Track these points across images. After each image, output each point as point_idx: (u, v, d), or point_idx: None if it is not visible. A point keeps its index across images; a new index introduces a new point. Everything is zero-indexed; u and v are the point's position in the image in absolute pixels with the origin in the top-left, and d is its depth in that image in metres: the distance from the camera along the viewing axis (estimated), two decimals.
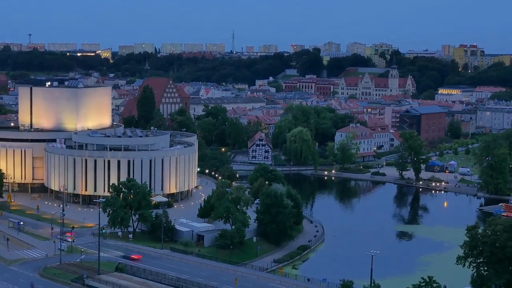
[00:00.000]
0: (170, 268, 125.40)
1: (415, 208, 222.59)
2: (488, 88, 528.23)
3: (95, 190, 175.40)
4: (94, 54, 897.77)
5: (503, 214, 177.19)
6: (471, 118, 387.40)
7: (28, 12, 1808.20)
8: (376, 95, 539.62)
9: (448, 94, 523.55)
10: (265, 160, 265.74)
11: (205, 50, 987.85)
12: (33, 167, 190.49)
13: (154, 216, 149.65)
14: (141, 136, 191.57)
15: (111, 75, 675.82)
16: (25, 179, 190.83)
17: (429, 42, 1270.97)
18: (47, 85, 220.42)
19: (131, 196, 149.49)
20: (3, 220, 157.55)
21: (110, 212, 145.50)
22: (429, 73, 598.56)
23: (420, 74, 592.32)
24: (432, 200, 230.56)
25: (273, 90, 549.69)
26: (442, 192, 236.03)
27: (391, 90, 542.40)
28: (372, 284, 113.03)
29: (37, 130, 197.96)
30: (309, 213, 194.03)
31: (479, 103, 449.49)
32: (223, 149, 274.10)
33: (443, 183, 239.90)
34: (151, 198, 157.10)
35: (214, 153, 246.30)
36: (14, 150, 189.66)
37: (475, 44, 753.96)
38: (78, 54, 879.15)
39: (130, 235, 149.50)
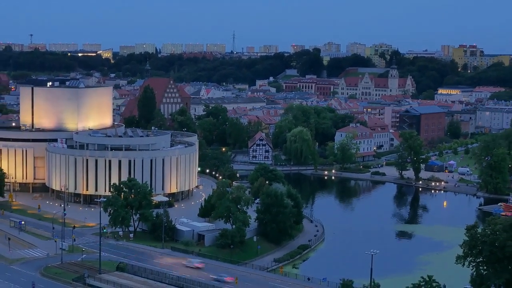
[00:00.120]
0: (170, 268, 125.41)
1: (415, 208, 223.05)
2: (487, 88, 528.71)
3: (96, 190, 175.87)
4: (95, 54, 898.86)
5: (502, 213, 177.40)
6: (470, 118, 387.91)
7: (29, 13, 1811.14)
8: (376, 95, 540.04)
9: (448, 94, 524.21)
10: (266, 160, 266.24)
11: (205, 50, 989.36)
12: (34, 167, 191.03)
13: (155, 215, 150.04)
14: (142, 136, 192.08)
15: (112, 75, 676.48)
16: (26, 178, 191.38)
17: (429, 43, 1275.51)
18: (48, 85, 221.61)
19: (132, 195, 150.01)
20: (5, 220, 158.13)
21: (111, 212, 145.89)
22: (429, 73, 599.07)
23: (419, 74, 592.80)
24: (431, 199, 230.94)
25: (273, 90, 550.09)
26: (442, 191, 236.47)
27: (391, 90, 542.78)
28: (372, 283, 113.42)
29: (39, 130, 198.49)
30: (309, 212, 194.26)
31: (479, 103, 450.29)
32: (223, 149, 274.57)
33: (442, 182, 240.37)
34: (152, 198, 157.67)
35: (215, 153, 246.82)
36: (15, 150, 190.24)
37: (474, 44, 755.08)
38: (79, 54, 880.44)
39: (131, 235, 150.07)
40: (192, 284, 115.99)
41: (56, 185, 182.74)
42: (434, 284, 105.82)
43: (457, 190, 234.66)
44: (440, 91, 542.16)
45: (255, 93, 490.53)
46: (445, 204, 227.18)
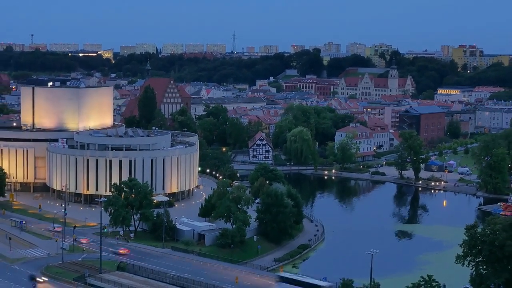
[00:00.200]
0: (171, 267, 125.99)
1: (415, 208, 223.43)
2: (487, 88, 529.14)
3: (96, 190, 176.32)
4: (96, 54, 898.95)
5: (501, 213, 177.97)
6: (470, 118, 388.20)
7: (30, 13, 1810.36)
8: (375, 95, 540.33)
9: (447, 94, 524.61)
10: (266, 159, 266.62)
11: (206, 51, 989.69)
12: (35, 167, 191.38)
13: (155, 215, 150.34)
14: (142, 136, 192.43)
15: (113, 75, 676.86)
16: (27, 178, 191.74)
17: (429, 43, 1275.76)
18: (49, 85, 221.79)
19: (133, 195, 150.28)
20: (6, 219, 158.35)
21: (112, 212, 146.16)
22: (429, 73, 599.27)
23: (419, 74, 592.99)
24: (431, 199, 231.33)
25: (273, 90, 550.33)
26: (442, 191, 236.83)
27: (390, 90, 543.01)
28: (372, 283, 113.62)
29: (39, 130, 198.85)
30: (309, 212, 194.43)
31: (478, 103, 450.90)
32: (224, 149, 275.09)
33: (442, 182, 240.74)
34: (153, 198, 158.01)
35: (215, 153, 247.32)
36: (16, 150, 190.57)
37: (474, 44, 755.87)
38: (80, 55, 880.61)
39: (132, 234, 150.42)
40: (192, 284, 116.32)
41: (57, 185, 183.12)
42: (433, 284, 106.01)
43: (457, 190, 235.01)
44: (440, 91, 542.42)
45: (255, 93, 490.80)
46: (444, 203, 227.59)
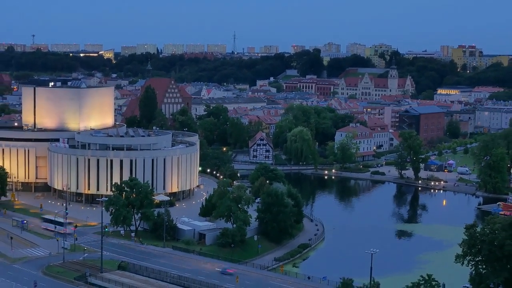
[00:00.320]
0: (172, 266, 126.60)
1: (414, 207, 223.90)
2: (486, 88, 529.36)
3: (97, 189, 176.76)
4: (97, 54, 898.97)
5: (501, 212, 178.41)
6: (469, 118, 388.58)
7: (31, 13, 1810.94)
8: (375, 95, 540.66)
9: (447, 94, 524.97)
10: (266, 159, 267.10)
11: (206, 51, 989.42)
12: (36, 167, 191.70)
13: (156, 214, 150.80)
14: (143, 136, 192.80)
15: (114, 75, 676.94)
16: (28, 178, 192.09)
17: (428, 43, 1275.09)
18: (50, 85, 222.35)
19: (134, 195, 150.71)
20: (7, 219, 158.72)
21: (113, 211, 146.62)
22: (428, 73, 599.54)
23: (419, 75, 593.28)
24: (431, 199, 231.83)
25: (274, 90, 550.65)
26: (441, 191, 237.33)
27: (390, 90, 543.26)
28: (372, 282, 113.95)
29: (41, 130, 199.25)
30: (310, 211, 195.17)
31: (478, 103, 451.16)
32: (224, 149, 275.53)
33: (442, 182, 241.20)
34: (153, 197, 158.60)
35: (216, 153, 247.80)
36: (17, 150, 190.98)
37: (473, 44, 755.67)
38: (81, 55, 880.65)
39: (133, 234, 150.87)
40: (193, 283, 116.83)
41: (58, 185, 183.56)
42: (433, 283, 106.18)
43: (456, 190, 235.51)
44: (440, 91, 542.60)
45: (256, 93, 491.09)
46: (444, 203, 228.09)
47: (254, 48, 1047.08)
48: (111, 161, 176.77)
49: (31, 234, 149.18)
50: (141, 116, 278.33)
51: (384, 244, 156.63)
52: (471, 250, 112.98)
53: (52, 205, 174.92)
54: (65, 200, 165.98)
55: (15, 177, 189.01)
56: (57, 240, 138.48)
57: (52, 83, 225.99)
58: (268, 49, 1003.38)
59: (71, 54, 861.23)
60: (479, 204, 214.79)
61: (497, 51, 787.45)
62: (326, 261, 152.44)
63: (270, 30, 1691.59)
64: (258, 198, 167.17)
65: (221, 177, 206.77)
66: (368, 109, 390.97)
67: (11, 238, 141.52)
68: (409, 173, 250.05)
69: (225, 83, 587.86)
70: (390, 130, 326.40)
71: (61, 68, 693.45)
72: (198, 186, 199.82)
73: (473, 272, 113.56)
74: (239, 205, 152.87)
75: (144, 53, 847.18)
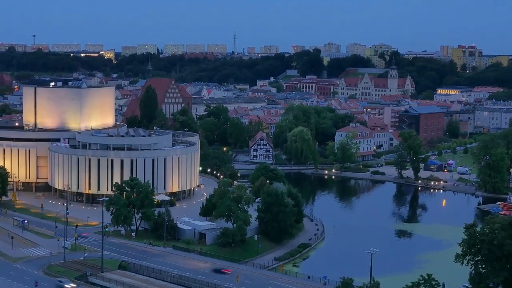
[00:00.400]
0: (172, 266, 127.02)
1: (414, 207, 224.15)
2: (486, 89, 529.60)
3: (98, 189, 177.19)
4: (97, 55, 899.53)
5: (500, 212, 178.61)
6: (469, 118, 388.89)
7: (32, 13, 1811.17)
8: (375, 95, 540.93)
9: (447, 94, 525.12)
10: (266, 159, 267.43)
11: (207, 51, 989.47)
12: (37, 166, 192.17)
13: (156, 214, 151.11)
14: (144, 136, 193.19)
15: (114, 75, 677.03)
16: (29, 178, 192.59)
17: (428, 43, 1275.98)
18: (51, 86, 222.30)
19: (134, 195, 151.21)
20: (8, 219, 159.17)
21: (113, 211, 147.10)
22: (428, 73, 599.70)
23: (419, 75, 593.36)
24: (430, 198, 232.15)
25: (274, 90, 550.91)
26: (441, 191, 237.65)
27: (390, 90, 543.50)
28: (372, 282, 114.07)
29: (41, 129, 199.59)
30: (310, 211, 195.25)
31: (477, 103, 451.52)
32: (224, 149, 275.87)
33: (441, 182, 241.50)
34: (154, 197, 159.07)
35: (216, 153, 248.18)
36: (18, 150, 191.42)
37: (473, 45, 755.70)
38: (82, 55, 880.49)
39: (133, 233, 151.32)
40: (193, 282, 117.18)
41: (59, 184, 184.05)
42: (433, 283, 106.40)
43: (456, 189, 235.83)
44: (439, 91, 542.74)
45: (256, 93, 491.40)
46: (444, 203, 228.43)
47: (254, 48, 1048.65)
48: (112, 161, 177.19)
49: (32, 233, 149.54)
50: (142, 116, 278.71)
51: (384, 244, 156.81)
52: (470, 250, 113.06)
53: (53, 204, 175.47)
54: (65, 200, 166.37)
55: (16, 177, 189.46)
56: (58, 240, 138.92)
57: (53, 83, 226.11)
58: (268, 49, 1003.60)
59: (72, 54, 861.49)
60: (479, 204, 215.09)
61: (497, 51, 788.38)
62: (326, 261, 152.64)
63: (270, 30, 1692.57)
64: (258, 198, 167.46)
65: (222, 177, 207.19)
66: (368, 109, 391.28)
67: (12, 237, 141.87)
68: (409, 173, 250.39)
69: (225, 83, 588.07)
70: (390, 130, 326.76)
71: (62, 68, 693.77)
72: (198, 186, 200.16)
73: (473, 271, 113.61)
74: (239, 205, 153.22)
75: (144, 53, 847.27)
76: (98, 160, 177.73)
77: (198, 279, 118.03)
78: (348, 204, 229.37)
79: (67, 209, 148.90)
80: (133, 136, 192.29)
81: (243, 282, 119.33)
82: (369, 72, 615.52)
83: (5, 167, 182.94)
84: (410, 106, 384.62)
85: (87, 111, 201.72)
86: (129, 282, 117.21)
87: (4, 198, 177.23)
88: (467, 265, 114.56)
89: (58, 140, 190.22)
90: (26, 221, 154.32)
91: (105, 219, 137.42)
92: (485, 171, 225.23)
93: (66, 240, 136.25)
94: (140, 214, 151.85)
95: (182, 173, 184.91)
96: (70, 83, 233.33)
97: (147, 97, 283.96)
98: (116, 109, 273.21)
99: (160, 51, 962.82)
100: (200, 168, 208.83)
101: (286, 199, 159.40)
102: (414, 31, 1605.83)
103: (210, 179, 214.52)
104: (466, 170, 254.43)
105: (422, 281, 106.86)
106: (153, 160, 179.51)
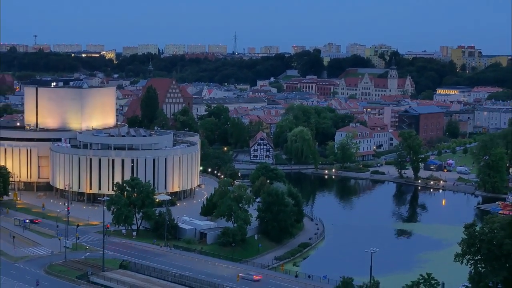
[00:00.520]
0: (173, 265, 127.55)
1: (414, 206, 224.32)
2: (485, 89, 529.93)
3: (99, 189, 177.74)
4: (98, 55, 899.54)
5: (500, 212, 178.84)
6: (468, 118, 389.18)
7: (33, 14, 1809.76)
8: (375, 95, 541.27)
9: (446, 94, 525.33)
10: (267, 159, 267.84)
11: (207, 51, 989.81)
12: (38, 166, 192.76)
13: (157, 214, 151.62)
14: (144, 136, 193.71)
15: (115, 75, 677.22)
16: (31, 177, 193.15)
17: (428, 43, 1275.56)
18: (52, 86, 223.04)
19: (135, 194, 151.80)
20: (9, 218, 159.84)
21: (114, 210, 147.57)
22: (428, 73, 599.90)
23: (418, 75, 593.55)
24: (430, 198, 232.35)
25: (274, 90, 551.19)
26: (441, 190, 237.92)
27: (390, 91, 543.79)
28: (372, 281, 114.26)
29: (43, 129, 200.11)
30: (310, 211, 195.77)
31: (477, 103, 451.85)
32: (225, 148, 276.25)
33: (441, 181, 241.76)
34: (155, 197, 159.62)
35: (217, 152, 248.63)
36: (20, 149, 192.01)
37: (472, 45, 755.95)
38: (83, 55, 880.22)
39: (134, 233, 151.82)
40: (194, 282, 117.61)
41: (60, 184, 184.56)
42: (433, 282, 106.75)
43: (456, 189, 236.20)
44: (439, 91, 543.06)
45: (256, 93, 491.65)
46: (443, 202, 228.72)
47: (255, 48, 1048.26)
48: (113, 160, 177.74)
49: (33, 233, 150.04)
50: (143, 116, 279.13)
51: (384, 243, 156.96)
52: (470, 249, 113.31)
53: (54, 204, 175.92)
54: (67, 200, 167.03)
55: (17, 177, 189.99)
56: (59, 239, 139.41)
57: (54, 83, 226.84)
58: (269, 50, 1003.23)
59: (73, 55, 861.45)
60: (478, 204, 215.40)
61: (496, 51, 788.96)
62: (326, 260, 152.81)
63: (271, 30, 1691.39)
64: (259, 198, 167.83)
65: (222, 176, 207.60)
66: (368, 109, 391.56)
67: (14, 237, 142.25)
68: (408, 172, 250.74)
69: (226, 83, 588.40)
70: (390, 130, 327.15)
71: (63, 68, 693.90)
72: (199, 185, 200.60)
73: (472, 271, 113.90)
74: (239, 205, 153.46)
75: (145, 53, 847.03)
76: (99, 160, 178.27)
77: (199, 278, 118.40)
78: (348, 203, 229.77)
79: (68, 208, 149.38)
80: (134, 136, 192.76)
81: (243, 281, 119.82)
82: (369, 72, 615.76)
83: (7, 167, 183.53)
84: (410, 106, 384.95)
85: (88, 111, 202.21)
86: (130, 281, 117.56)
87: (5, 197, 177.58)
88: (467, 265, 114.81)
89: (59, 140, 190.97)
90: (27, 221, 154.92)
91: (106, 218, 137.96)
92: (485, 171, 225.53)
93: (67, 240, 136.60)
94: (141, 214, 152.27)
95: (182, 172, 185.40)
96: (71, 83, 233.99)
97: (148, 97, 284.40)
98: (117, 109, 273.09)
99: (161, 51, 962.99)
100: (201, 168, 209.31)
101: (287, 198, 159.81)
102: (414, 31, 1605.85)
103: (210, 179, 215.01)
104: (466, 170, 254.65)
105: (422, 281, 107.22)
106: (154, 160, 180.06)
